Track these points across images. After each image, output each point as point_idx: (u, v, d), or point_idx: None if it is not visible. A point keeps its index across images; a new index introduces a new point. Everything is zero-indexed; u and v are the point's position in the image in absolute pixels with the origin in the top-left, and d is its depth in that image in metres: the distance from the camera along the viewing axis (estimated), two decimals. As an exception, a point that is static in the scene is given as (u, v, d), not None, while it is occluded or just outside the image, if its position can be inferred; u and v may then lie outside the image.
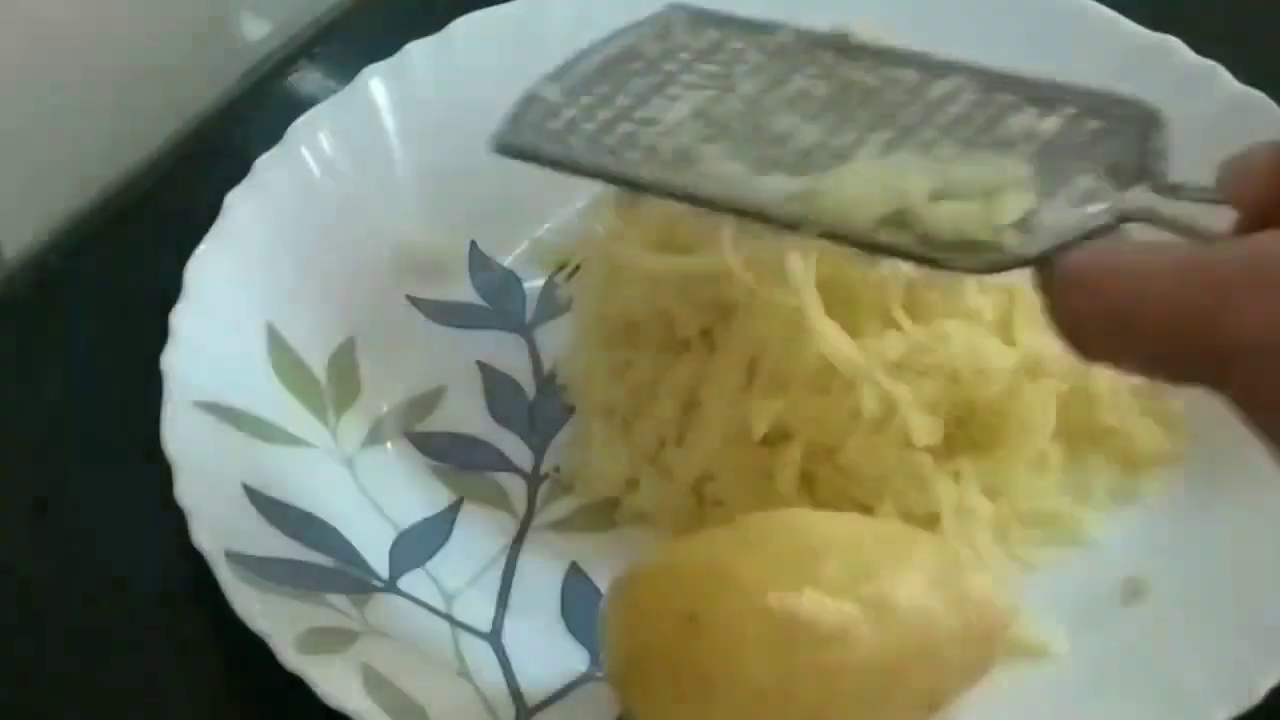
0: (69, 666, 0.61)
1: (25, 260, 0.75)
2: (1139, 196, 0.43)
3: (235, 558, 0.59)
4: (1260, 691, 0.54)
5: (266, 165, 0.70)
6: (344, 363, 0.68)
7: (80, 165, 0.76)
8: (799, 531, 0.57)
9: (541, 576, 0.63)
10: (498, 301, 0.71)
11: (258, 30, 0.83)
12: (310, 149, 0.71)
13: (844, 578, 0.55)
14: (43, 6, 0.72)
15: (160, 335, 0.64)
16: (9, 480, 0.66)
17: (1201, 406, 0.62)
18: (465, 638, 0.60)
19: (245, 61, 0.82)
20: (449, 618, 0.61)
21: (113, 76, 0.76)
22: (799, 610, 0.54)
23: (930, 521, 0.60)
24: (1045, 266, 0.42)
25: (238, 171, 0.70)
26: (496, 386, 0.68)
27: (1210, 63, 0.71)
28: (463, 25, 0.75)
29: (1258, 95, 0.69)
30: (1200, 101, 0.68)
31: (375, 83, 0.73)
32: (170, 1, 0.78)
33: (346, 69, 0.75)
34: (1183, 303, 0.38)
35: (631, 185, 0.52)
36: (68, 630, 0.62)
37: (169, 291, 0.65)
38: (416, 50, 0.74)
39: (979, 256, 0.43)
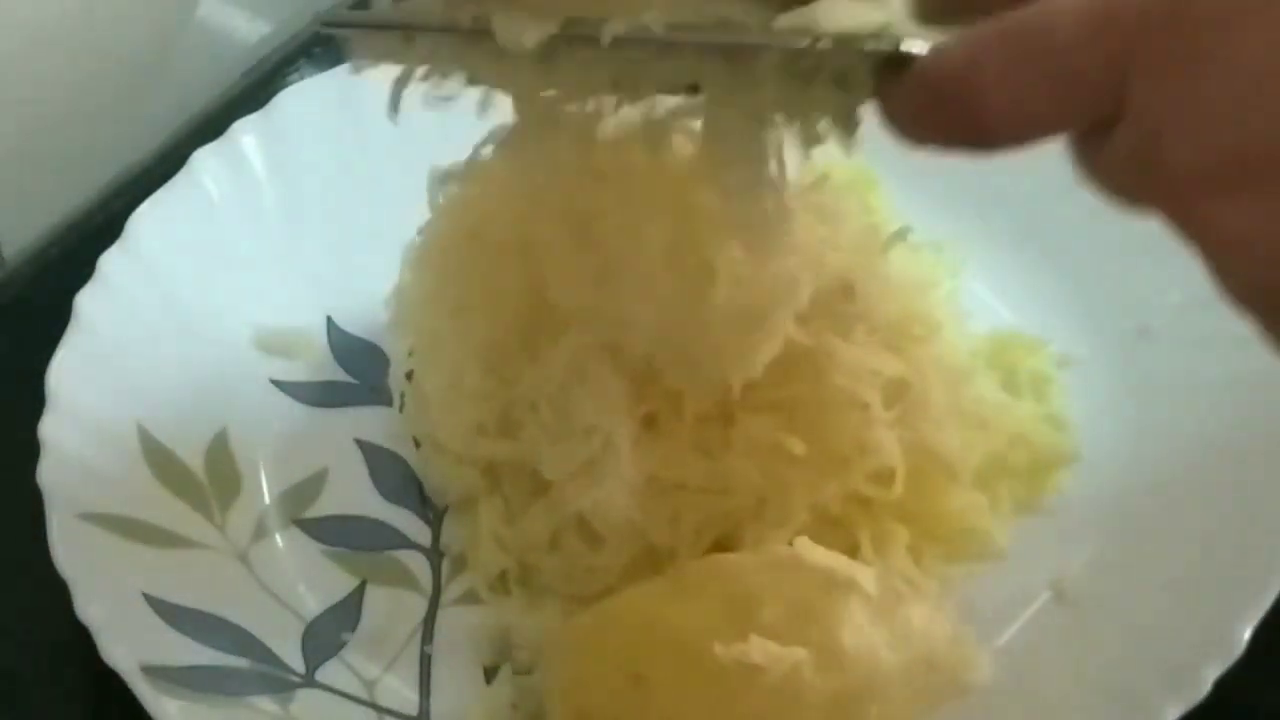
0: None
1: (25, 260, 0.75)
2: None
3: (151, 670, 0.57)
4: (1207, 684, 0.56)
5: (110, 262, 0.68)
6: (220, 457, 0.66)
7: (80, 166, 0.76)
8: (735, 577, 0.57)
9: (460, 652, 0.62)
10: (364, 375, 0.70)
11: (257, 30, 0.83)
12: (151, 240, 0.69)
13: (785, 621, 0.55)
14: (42, 8, 0.71)
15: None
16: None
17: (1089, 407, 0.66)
18: (394, 725, 0.59)
19: (245, 61, 0.82)
20: (373, 705, 0.60)
21: (113, 77, 0.76)
22: (746, 658, 0.54)
23: (848, 551, 0.61)
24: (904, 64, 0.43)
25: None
26: (379, 463, 0.67)
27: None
28: (286, 98, 0.74)
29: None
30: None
31: (208, 167, 0.71)
32: (170, 2, 0.78)
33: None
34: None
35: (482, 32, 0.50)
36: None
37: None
38: (243, 128, 0.72)
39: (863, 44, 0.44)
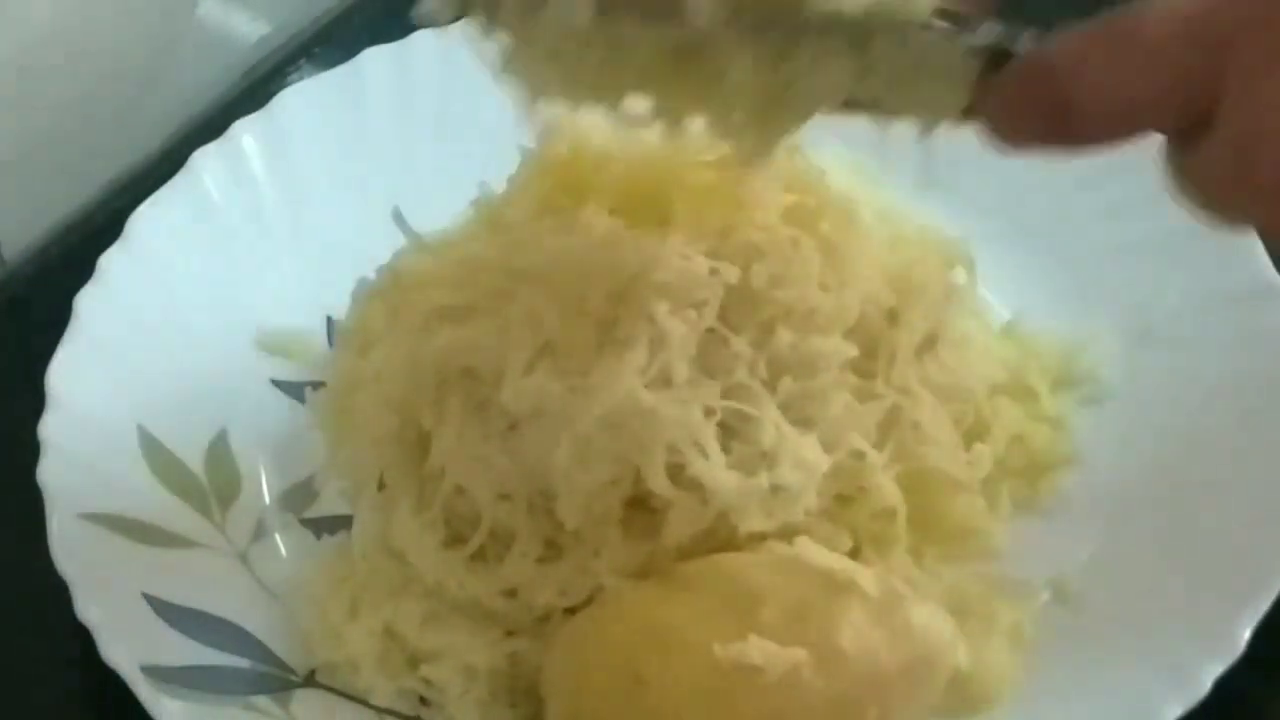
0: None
1: (25, 260, 0.75)
2: None
3: (151, 670, 0.57)
4: (1207, 684, 0.56)
5: (111, 262, 0.68)
6: (220, 457, 0.66)
7: (80, 166, 0.76)
8: (734, 576, 0.57)
9: (460, 650, 0.62)
10: (364, 376, 0.69)
11: (257, 30, 0.83)
12: (152, 241, 0.69)
13: (785, 621, 0.55)
14: (41, 8, 0.72)
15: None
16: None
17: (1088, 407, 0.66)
18: (394, 723, 0.59)
19: (245, 61, 0.82)
20: (373, 705, 0.59)
21: (113, 77, 0.76)
22: (745, 659, 0.54)
23: (848, 551, 0.60)
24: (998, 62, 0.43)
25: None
26: (379, 462, 0.67)
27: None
28: (287, 98, 0.74)
29: None
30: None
31: (208, 167, 0.71)
32: (170, 2, 0.78)
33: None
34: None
35: None
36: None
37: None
38: (243, 128, 0.72)
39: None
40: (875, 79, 0.47)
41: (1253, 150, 0.40)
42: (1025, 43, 0.44)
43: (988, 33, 0.45)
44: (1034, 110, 0.42)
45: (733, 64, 0.49)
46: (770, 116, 0.50)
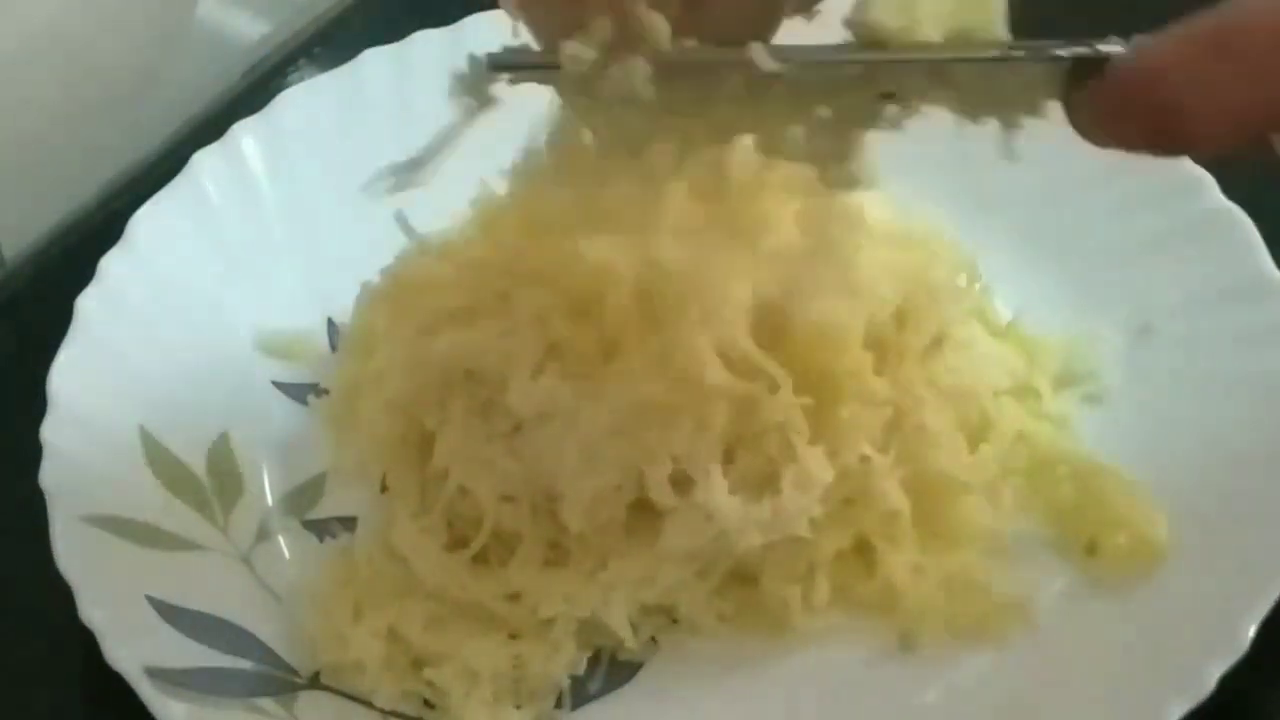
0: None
1: (25, 260, 0.75)
2: None
3: (155, 673, 0.57)
4: (1212, 682, 0.55)
5: (112, 263, 0.68)
6: (222, 459, 0.66)
7: (80, 166, 0.77)
8: None
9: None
10: (365, 377, 0.69)
11: (258, 30, 0.83)
12: (152, 242, 0.69)
13: None
14: (42, 8, 0.72)
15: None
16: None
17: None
18: (399, 726, 0.59)
19: (245, 61, 0.82)
20: (377, 707, 0.59)
21: (113, 77, 0.76)
22: None
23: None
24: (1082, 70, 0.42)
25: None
26: (379, 464, 0.67)
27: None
28: (287, 98, 0.74)
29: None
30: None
31: (208, 169, 0.71)
32: (170, 2, 0.79)
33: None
34: None
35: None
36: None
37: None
38: (243, 129, 0.72)
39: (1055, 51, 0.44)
40: (953, 91, 0.47)
41: None
42: (1115, 48, 0.43)
43: (1069, 48, 0.44)
44: (1141, 116, 0.41)
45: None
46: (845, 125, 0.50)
